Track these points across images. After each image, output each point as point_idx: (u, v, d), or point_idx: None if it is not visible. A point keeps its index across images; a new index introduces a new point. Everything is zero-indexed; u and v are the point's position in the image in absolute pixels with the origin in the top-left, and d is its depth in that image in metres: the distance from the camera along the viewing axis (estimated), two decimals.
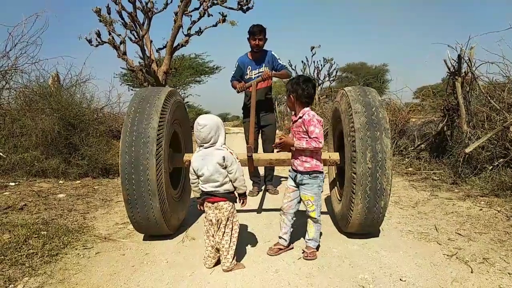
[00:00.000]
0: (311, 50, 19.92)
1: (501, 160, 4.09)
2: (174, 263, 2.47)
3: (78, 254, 2.70)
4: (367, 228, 2.73)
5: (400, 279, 2.15)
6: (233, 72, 4.40)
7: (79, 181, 5.41)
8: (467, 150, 4.03)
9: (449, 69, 4.96)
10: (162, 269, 2.36)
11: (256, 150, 4.37)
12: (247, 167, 3.15)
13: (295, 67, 20.24)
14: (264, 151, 4.45)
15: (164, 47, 15.39)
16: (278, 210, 3.68)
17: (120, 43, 11.36)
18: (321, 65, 20.35)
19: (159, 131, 2.68)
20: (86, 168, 5.72)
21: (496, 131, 4.06)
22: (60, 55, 16.69)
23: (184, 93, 28.16)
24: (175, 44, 12.67)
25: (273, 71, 4.20)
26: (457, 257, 2.40)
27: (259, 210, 3.77)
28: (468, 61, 4.79)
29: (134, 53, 18.22)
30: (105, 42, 11.42)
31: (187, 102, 29.74)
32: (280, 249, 2.61)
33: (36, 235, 2.97)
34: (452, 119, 5.08)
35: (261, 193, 4.57)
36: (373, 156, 2.43)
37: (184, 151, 3.47)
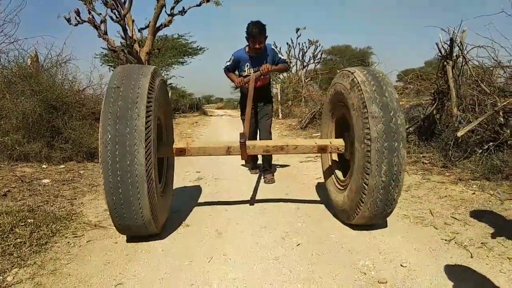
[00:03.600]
0: (296, 32, 19.81)
1: (491, 143, 4.12)
2: (170, 251, 2.40)
3: (68, 242, 2.60)
4: (369, 224, 2.68)
5: (401, 265, 2.14)
6: (228, 63, 4.12)
7: (63, 166, 5.25)
8: (459, 133, 4.05)
9: (440, 52, 4.94)
10: (158, 258, 2.29)
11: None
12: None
13: (280, 49, 20.06)
14: (263, 130, 4.30)
15: (147, 27, 14.96)
16: (270, 200, 3.62)
17: (101, 22, 11.01)
18: (306, 47, 20.28)
19: (147, 130, 2.23)
20: (70, 152, 5.54)
21: (487, 115, 4.08)
22: (40, 34, 15.96)
23: (167, 74, 27.64)
24: (158, 24, 12.32)
25: (272, 66, 3.96)
26: (455, 242, 2.40)
27: (252, 201, 3.70)
28: (460, 44, 4.77)
29: (115, 32, 17.67)
30: (85, 21, 11.02)
31: (170, 84, 29.31)
32: None
33: (23, 223, 2.85)
34: (442, 102, 5.09)
35: (255, 176, 4.54)
36: (388, 169, 2.26)
37: (166, 139, 3.15)
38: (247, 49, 4.02)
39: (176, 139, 3.41)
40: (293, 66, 21.66)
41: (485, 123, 4.34)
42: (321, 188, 3.90)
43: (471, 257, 2.19)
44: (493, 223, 2.66)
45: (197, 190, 4.02)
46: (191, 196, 3.76)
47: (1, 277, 2.07)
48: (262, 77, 3.97)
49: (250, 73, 4.00)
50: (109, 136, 2.16)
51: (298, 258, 2.25)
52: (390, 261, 2.19)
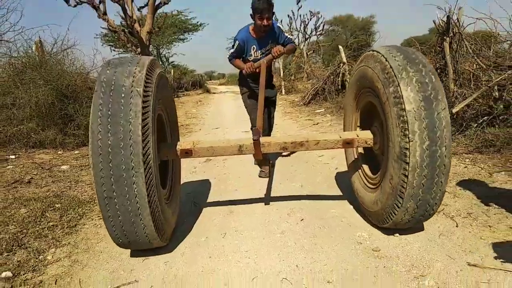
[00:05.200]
0: (297, 3, 19.58)
1: (485, 117, 4.31)
2: (186, 229, 2.68)
3: (95, 224, 2.89)
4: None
5: (394, 235, 2.40)
6: (232, 50, 3.69)
7: (77, 151, 5.53)
8: (454, 110, 4.23)
9: (438, 29, 5.06)
10: (176, 236, 2.57)
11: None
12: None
13: (281, 21, 19.89)
14: (269, 117, 4.04)
15: (146, 5, 14.91)
16: (277, 181, 3.86)
17: (100, 3, 11.07)
18: (308, 18, 20.13)
19: (144, 130, 1.91)
20: (83, 137, 5.82)
21: (480, 91, 4.25)
22: (45, 23, 16.07)
23: (169, 52, 27.57)
24: (157, 2, 12.36)
25: (283, 48, 3.54)
26: (444, 213, 2.65)
27: (259, 183, 3.96)
28: (456, 21, 4.89)
29: (114, 12, 17.67)
30: (84, 2, 11.08)
31: (172, 62, 29.25)
32: None
33: (52, 208, 3.14)
34: (440, 78, 5.24)
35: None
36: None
37: (171, 138, 2.89)
38: (251, 28, 3.59)
39: (181, 119, 3.25)
40: (294, 39, 21.52)
41: (481, 98, 4.52)
42: (323, 166, 4.15)
43: (456, 226, 2.44)
44: (481, 194, 2.90)
45: (206, 171, 4.28)
46: (202, 177, 4.03)
47: (42, 257, 2.37)
48: (274, 60, 3.53)
49: (259, 55, 3.64)
50: (100, 139, 1.86)
51: (302, 231, 2.52)
52: (385, 232, 2.45)
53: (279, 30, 3.65)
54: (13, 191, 3.68)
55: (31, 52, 6.65)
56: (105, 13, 14.67)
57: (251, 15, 3.46)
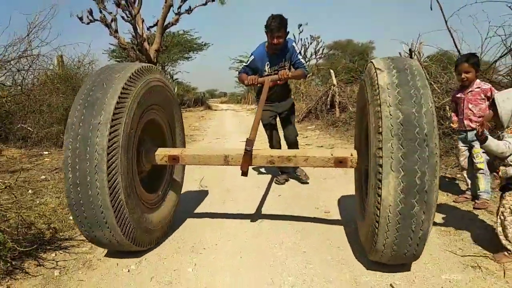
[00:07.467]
0: (299, 28, 20.41)
1: None
2: (195, 199, 3.67)
3: None
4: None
5: (339, 203, 3.40)
6: (245, 64, 3.85)
7: None
8: None
9: None
10: (191, 205, 3.56)
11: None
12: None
13: None
14: (286, 136, 4.14)
15: (155, 25, 16.13)
16: (265, 173, 4.85)
17: (112, 21, 11.96)
18: (308, 42, 20.83)
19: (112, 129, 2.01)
20: None
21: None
22: (75, 39, 17.26)
23: (173, 69, 28.86)
24: (166, 23, 13.52)
25: (291, 72, 3.72)
26: None
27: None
28: (417, 53, 6.00)
29: (125, 30, 18.96)
30: (97, 20, 12.03)
31: (176, 79, 30.50)
32: (467, 198, 3.29)
33: None
34: None
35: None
36: None
37: (173, 143, 2.95)
38: (266, 44, 3.74)
39: (185, 131, 3.25)
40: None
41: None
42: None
43: None
44: None
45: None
46: (205, 167, 5.01)
47: None
48: (279, 81, 3.66)
49: (271, 73, 3.76)
50: (71, 138, 2.09)
51: (278, 202, 3.53)
52: (335, 201, 3.47)
53: (293, 50, 3.77)
54: (56, 174, 4.66)
55: (53, 66, 7.74)
56: (116, 31, 15.87)
57: (265, 32, 3.62)
